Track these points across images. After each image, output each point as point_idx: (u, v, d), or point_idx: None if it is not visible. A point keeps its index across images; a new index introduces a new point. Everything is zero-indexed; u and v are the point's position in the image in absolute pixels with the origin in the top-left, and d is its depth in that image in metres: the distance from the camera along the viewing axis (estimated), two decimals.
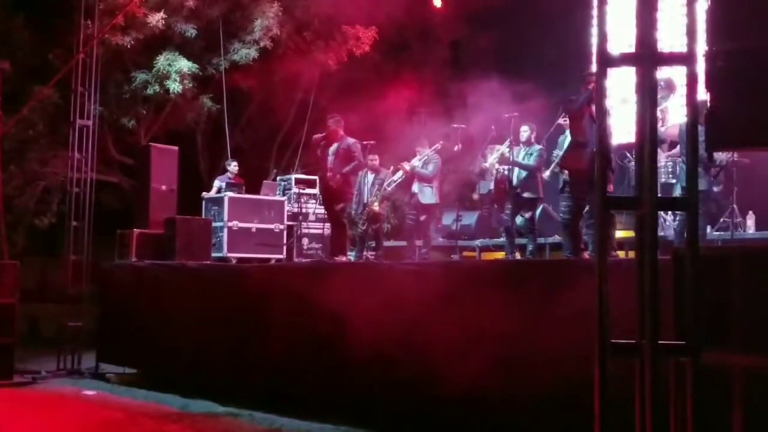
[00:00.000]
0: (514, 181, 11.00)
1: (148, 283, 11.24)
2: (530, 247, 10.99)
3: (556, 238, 11.48)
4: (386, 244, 14.12)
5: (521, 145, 11.23)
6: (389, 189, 12.58)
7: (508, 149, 11.26)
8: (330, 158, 11.61)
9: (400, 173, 12.50)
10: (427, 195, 12.31)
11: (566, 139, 10.07)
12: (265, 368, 9.21)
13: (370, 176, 12.74)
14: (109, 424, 8.65)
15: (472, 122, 12.92)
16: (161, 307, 10.91)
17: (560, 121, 10.56)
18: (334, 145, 11.63)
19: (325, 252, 14.06)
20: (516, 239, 11.37)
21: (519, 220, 11.18)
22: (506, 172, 11.26)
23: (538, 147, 11.17)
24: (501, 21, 14.76)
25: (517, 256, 11.20)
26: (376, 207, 12.52)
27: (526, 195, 11.06)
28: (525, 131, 11.24)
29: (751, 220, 10.98)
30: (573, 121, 9.66)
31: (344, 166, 11.54)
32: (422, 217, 12.46)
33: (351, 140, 11.77)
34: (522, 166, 11.08)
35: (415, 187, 12.39)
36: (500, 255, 11.99)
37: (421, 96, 17.53)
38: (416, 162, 12.42)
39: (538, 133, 11.36)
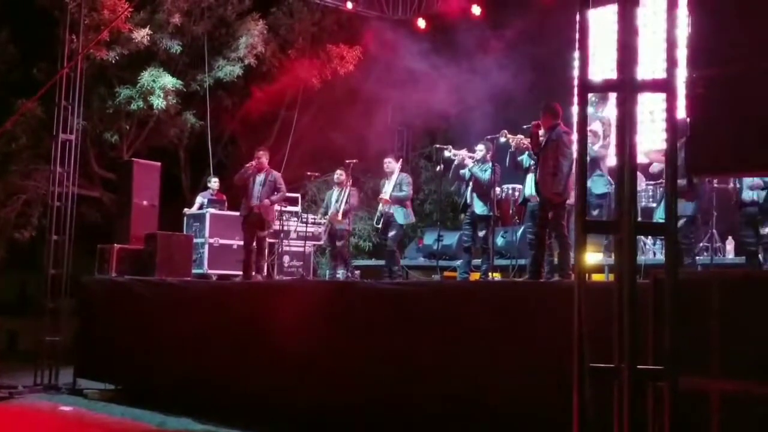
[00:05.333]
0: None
1: (128, 298, 11.20)
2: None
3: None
4: (365, 262, 14.09)
5: (475, 162, 11.25)
6: (378, 226, 12.56)
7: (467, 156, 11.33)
8: (258, 187, 12.00)
9: (380, 207, 12.45)
10: (403, 215, 12.26)
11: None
12: (243, 386, 9.18)
13: (336, 192, 12.81)
14: None
15: (455, 143, 12.94)
16: (140, 323, 10.87)
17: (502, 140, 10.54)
18: (261, 176, 12.04)
19: (305, 270, 14.06)
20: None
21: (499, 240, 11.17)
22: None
23: (490, 164, 11.11)
24: (486, 42, 14.83)
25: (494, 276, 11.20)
26: (339, 217, 12.63)
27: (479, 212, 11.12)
28: (480, 149, 11.26)
29: (730, 246, 11.03)
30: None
31: (270, 195, 12.05)
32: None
33: (276, 173, 12.38)
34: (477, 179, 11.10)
35: (391, 207, 12.36)
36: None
37: (403, 114, 17.66)
38: (388, 188, 12.37)
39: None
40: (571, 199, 9.27)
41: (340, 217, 12.55)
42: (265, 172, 12.08)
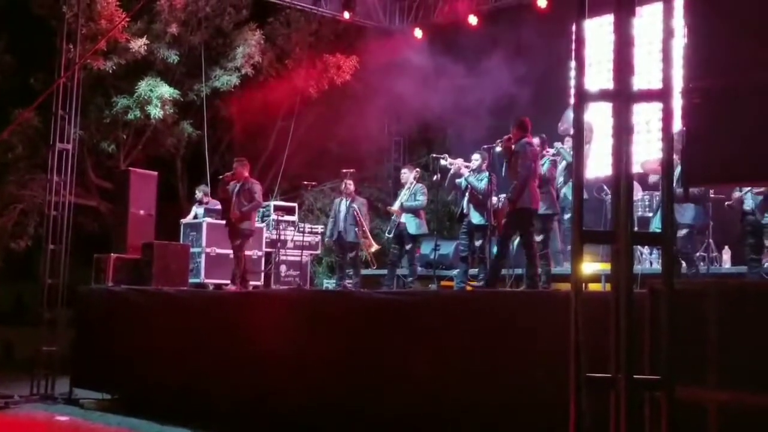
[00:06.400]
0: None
1: (125, 308, 11.18)
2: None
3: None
4: (368, 271, 14.09)
5: (471, 171, 11.34)
6: (389, 236, 12.58)
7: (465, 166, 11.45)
8: (234, 198, 12.08)
9: (393, 218, 12.47)
10: (415, 226, 12.25)
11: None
12: (240, 395, 9.16)
13: (345, 203, 12.77)
14: None
15: (451, 152, 12.96)
16: (137, 333, 10.85)
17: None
18: (238, 185, 12.09)
19: (302, 279, 14.05)
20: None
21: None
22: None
23: (486, 173, 11.16)
24: (483, 52, 14.86)
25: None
26: (373, 249, 12.95)
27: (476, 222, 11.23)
28: (476, 159, 11.32)
29: (726, 255, 11.05)
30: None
31: (244, 205, 12.09)
32: (408, 246, 12.42)
33: (254, 183, 12.37)
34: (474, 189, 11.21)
35: (403, 217, 12.36)
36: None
37: (400, 124, 17.71)
38: (404, 197, 12.38)
39: None
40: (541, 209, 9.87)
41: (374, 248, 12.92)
42: (243, 181, 12.11)
